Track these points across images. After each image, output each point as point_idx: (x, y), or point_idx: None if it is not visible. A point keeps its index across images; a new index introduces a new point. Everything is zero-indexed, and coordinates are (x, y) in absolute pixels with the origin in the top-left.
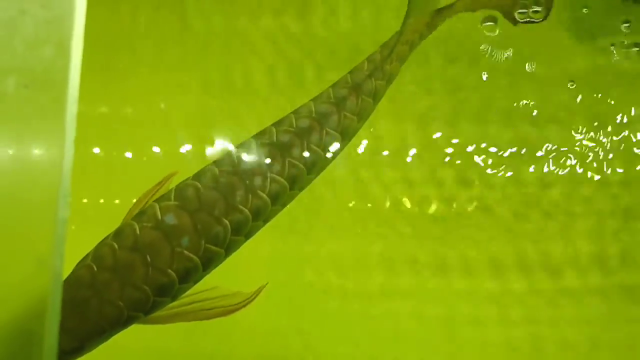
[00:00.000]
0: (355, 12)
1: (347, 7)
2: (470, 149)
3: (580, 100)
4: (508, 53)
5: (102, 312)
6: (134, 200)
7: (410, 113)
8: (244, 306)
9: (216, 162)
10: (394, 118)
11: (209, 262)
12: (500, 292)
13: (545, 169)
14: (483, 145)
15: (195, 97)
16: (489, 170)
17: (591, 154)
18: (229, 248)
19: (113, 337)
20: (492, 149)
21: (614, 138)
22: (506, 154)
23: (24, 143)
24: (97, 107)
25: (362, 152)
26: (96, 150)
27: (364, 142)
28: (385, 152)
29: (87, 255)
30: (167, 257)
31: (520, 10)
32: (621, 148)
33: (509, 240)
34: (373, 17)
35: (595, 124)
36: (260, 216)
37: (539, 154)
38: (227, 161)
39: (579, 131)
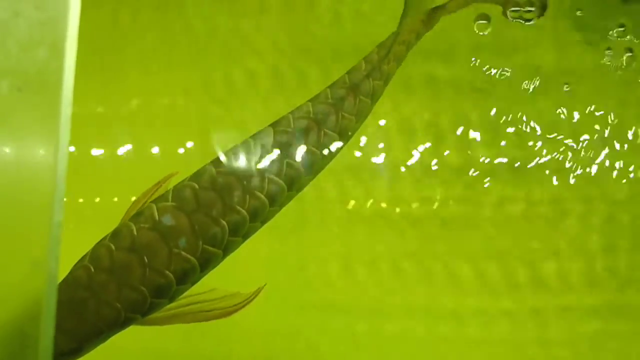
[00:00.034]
0: (357, 12)
1: (350, 7)
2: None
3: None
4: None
5: (100, 313)
6: (133, 199)
7: (410, 113)
8: (243, 307)
9: (214, 163)
10: (394, 118)
11: (206, 263)
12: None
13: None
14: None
15: (194, 97)
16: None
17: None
18: (226, 249)
19: (111, 338)
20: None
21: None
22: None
23: (18, 146)
24: (95, 107)
25: (362, 152)
26: (95, 150)
27: (364, 143)
28: (385, 153)
29: (85, 256)
30: (165, 258)
31: (513, 9)
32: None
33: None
34: (375, 17)
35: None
36: (258, 217)
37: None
38: (224, 162)
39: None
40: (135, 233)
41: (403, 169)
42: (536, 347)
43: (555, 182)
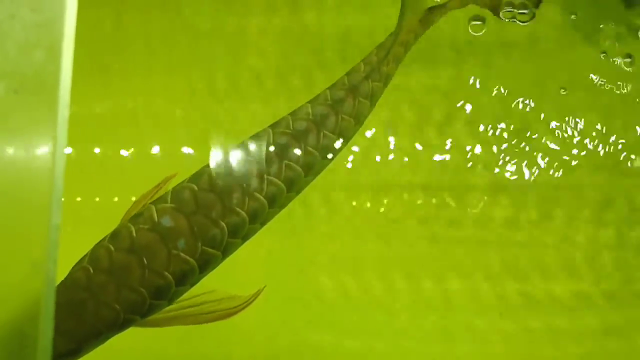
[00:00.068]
0: (359, 12)
1: (351, 7)
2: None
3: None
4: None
5: (99, 314)
6: (133, 199)
7: (409, 113)
8: (242, 309)
9: (212, 164)
10: (394, 119)
11: (205, 265)
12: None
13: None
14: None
15: (194, 98)
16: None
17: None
18: (225, 250)
19: (110, 340)
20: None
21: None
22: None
23: (15, 148)
24: (95, 107)
25: (362, 153)
26: (95, 149)
27: (364, 143)
28: (385, 155)
29: (84, 257)
30: (164, 259)
31: (507, 9)
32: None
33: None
34: (376, 17)
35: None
36: (257, 218)
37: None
38: (223, 163)
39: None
40: (134, 234)
41: (404, 169)
42: None
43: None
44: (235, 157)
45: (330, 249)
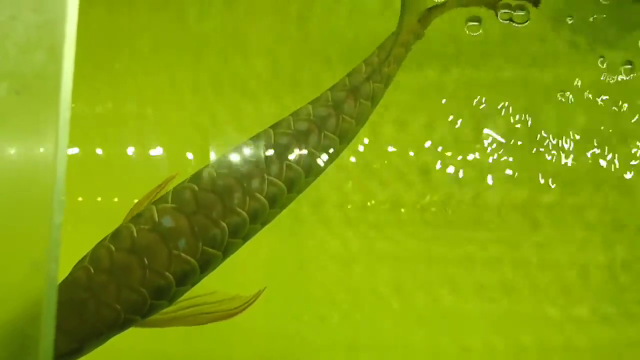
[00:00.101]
0: (362, 12)
1: (355, 7)
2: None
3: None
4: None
5: (99, 314)
6: (135, 201)
7: (410, 114)
8: (243, 310)
9: (213, 164)
10: (394, 119)
11: (206, 265)
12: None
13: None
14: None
15: (196, 98)
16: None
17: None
18: (226, 250)
19: (111, 340)
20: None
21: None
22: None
23: (17, 149)
24: (97, 107)
25: (362, 153)
26: (96, 149)
27: (364, 143)
28: (386, 155)
29: (85, 257)
30: (165, 259)
31: (504, 10)
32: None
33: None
34: (376, 18)
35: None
36: (258, 219)
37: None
38: (224, 163)
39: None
40: (135, 234)
41: (404, 170)
42: None
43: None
44: (236, 158)
45: (331, 250)
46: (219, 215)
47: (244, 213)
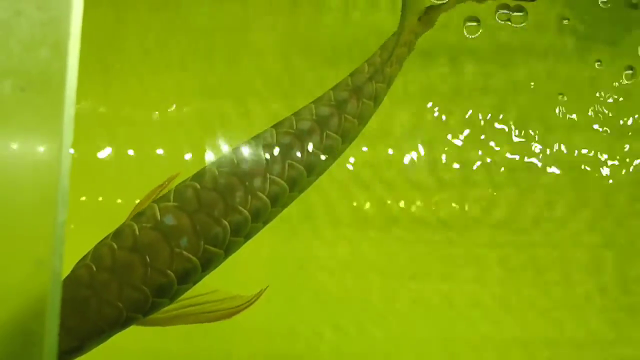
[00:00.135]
0: (360, 12)
1: (356, 7)
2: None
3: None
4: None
5: (101, 312)
6: (137, 201)
7: (410, 114)
8: (245, 309)
9: (215, 163)
10: (396, 119)
11: (208, 263)
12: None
13: None
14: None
15: (197, 98)
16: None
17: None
18: (228, 249)
19: (112, 339)
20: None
21: None
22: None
23: (21, 146)
24: (98, 107)
25: (364, 153)
26: (97, 150)
27: (366, 144)
28: (389, 152)
29: (87, 255)
30: (166, 257)
31: (502, 11)
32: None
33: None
34: (377, 17)
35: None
36: (260, 217)
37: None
38: (226, 162)
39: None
40: (137, 233)
41: (407, 170)
42: None
43: None
44: (238, 156)
45: (333, 250)
46: (221, 213)
47: (245, 212)
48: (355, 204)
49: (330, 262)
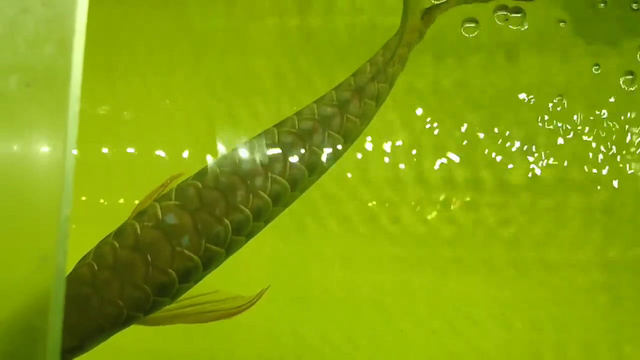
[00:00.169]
0: (362, 12)
1: (355, 7)
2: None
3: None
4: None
5: (102, 310)
6: (136, 202)
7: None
8: (246, 309)
9: (217, 162)
10: (398, 119)
11: (209, 262)
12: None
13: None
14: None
15: (199, 98)
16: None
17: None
18: (229, 248)
19: (112, 338)
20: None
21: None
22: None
23: (26, 141)
24: (99, 107)
25: (367, 152)
26: (98, 149)
27: (369, 143)
28: (389, 155)
29: (88, 253)
30: (168, 256)
31: (501, 12)
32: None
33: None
34: (379, 16)
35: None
36: (262, 216)
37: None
38: (228, 161)
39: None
40: (138, 231)
41: (407, 170)
42: None
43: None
44: (240, 156)
45: (335, 249)
46: (223, 212)
47: (247, 211)
48: (358, 202)
49: (333, 261)
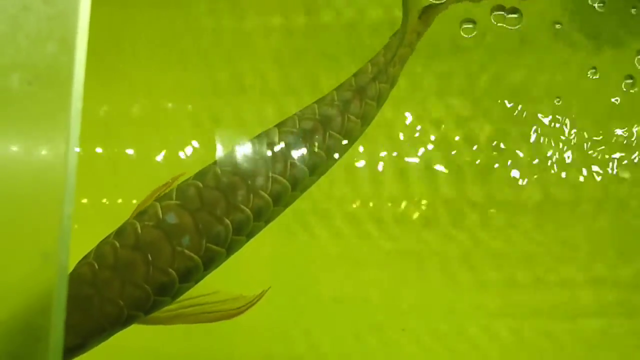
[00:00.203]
0: (364, 14)
1: (357, 9)
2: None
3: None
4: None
5: (103, 310)
6: (134, 201)
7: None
8: (246, 310)
9: (218, 162)
10: (397, 120)
11: (210, 262)
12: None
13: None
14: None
15: (199, 98)
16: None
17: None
18: (230, 248)
19: (114, 337)
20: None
21: None
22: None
23: (29, 139)
24: (100, 107)
25: (367, 153)
26: (99, 149)
27: (368, 144)
28: (391, 154)
29: (89, 253)
30: (168, 256)
31: (497, 12)
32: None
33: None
34: (381, 17)
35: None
36: (262, 216)
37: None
38: (229, 161)
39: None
40: (139, 231)
41: (409, 169)
42: None
43: None
44: (241, 155)
45: (335, 250)
46: (223, 212)
47: (247, 210)
48: (358, 202)
49: (334, 261)
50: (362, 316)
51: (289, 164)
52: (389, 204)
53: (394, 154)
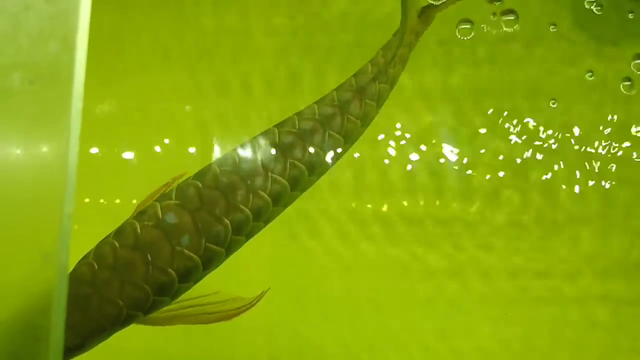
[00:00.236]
0: (366, 15)
1: (358, 10)
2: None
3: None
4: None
5: (102, 310)
6: (134, 202)
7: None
8: (246, 310)
9: (217, 162)
10: (397, 121)
11: (209, 262)
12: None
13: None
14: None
15: (200, 98)
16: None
17: None
18: (229, 248)
19: (112, 337)
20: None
21: None
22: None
23: (29, 139)
24: (100, 107)
25: (367, 154)
26: (99, 150)
27: (368, 146)
28: (389, 153)
29: (89, 253)
30: (168, 256)
31: (495, 13)
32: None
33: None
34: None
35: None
36: (262, 216)
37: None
38: (228, 161)
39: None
40: (138, 231)
41: (409, 169)
42: None
43: None
44: (240, 155)
45: (335, 251)
46: (223, 212)
47: (247, 210)
48: (357, 203)
49: (334, 261)
50: (361, 317)
51: (288, 164)
52: (390, 204)
53: (392, 153)
